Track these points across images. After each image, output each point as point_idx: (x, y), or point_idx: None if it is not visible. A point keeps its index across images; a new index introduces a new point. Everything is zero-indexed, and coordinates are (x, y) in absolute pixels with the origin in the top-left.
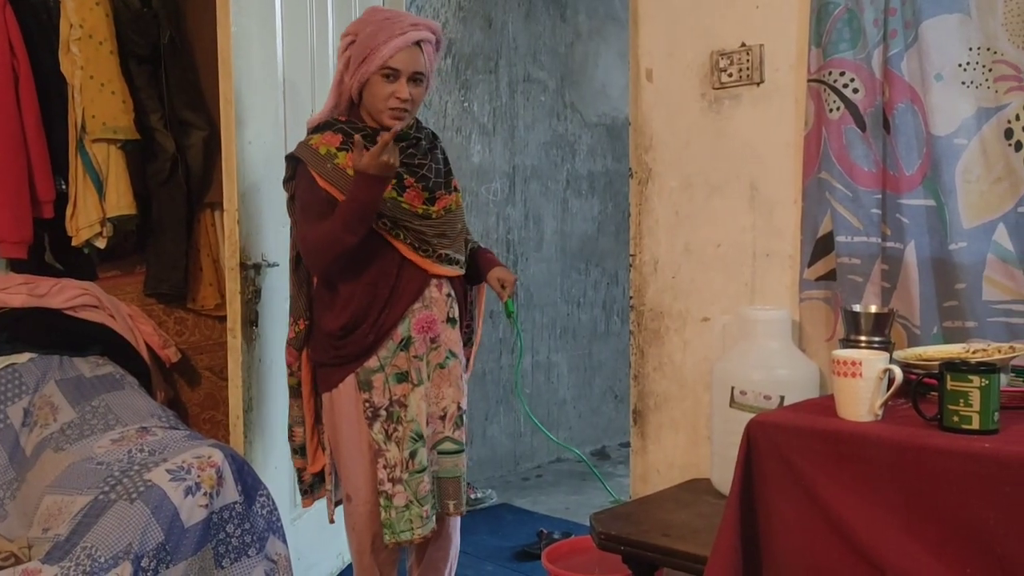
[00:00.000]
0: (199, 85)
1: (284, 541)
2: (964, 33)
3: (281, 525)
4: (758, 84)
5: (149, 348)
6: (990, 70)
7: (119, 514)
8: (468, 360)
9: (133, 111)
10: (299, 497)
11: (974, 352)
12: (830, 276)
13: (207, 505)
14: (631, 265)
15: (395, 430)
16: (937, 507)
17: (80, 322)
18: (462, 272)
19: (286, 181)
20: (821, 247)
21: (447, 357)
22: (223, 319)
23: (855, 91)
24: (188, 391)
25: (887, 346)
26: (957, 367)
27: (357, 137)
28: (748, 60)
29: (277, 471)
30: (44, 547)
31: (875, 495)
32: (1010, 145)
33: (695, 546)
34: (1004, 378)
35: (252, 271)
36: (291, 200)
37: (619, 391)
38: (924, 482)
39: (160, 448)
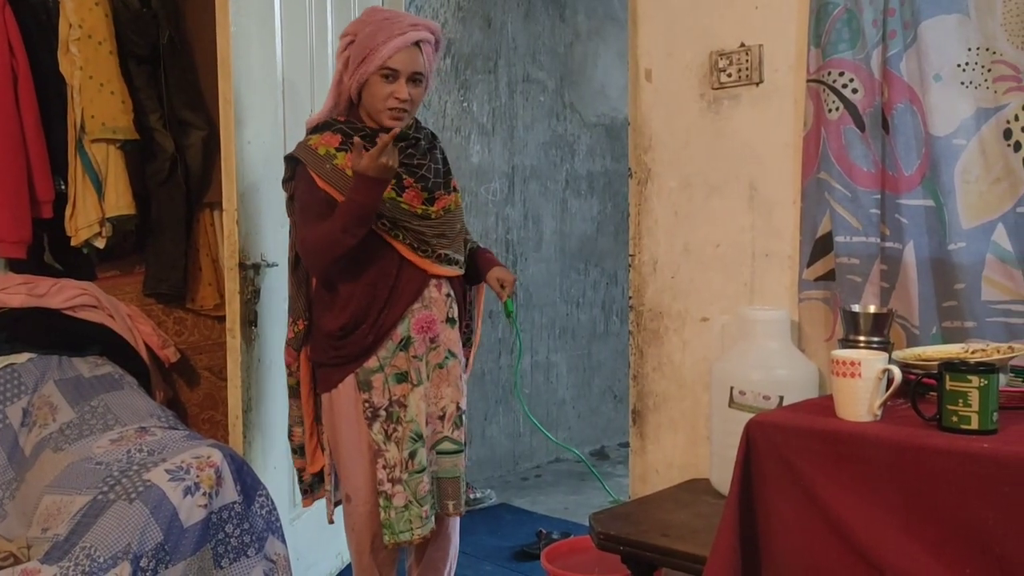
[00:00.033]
0: (198, 85)
1: (283, 541)
2: (963, 33)
3: (280, 525)
4: (757, 84)
5: (148, 348)
6: (989, 70)
7: (118, 514)
8: (467, 360)
9: (132, 111)
10: (298, 497)
11: (973, 352)
12: (829, 276)
13: (206, 505)
14: (630, 265)
15: (394, 430)
16: (936, 507)
17: (79, 322)
18: (461, 272)
19: (285, 181)
20: (820, 247)
21: (446, 357)
22: (222, 319)
23: (854, 91)
24: (187, 391)
25: (886, 346)
26: (956, 367)
27: (356, 139)
28: (747, 60)
29: (276, 471)
30: (43, 547)
31: (874, 495)
32: (1009, 145)
33: (694, 546)
34: (1003, 378)
35: (251, 271)
36: (290, 200)
37: (618, 391)
38: (923, 482)
39: (159, 448)
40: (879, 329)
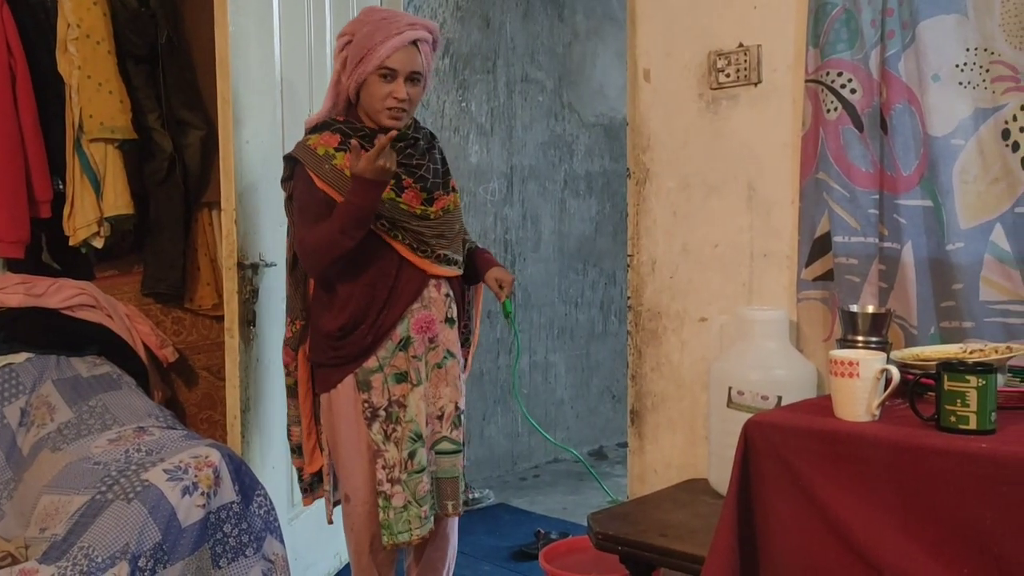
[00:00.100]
0: (197, 85)
1: (281, 541)
2: (961, 34)
3: (278, 525)
4: (756, 84)
5: (146, 348)
6: (987, 71)
7: (116, 514)
8: (466, 360)
9: (130, 111)
10: (297, 497)
11: (971, 352)
12: (827, 276)
13: (204, 505)
14: (629, 265)
15: (394, 430)
16: (934, 507)
17: (77, 322)
18: (460, 272)
19: (284, 181)
20: (818, 247)
21: (445, 357)
22: (221, 319)
23: (852, 91)
24: (185, 391)
25: (884, 346)
26: (954, 367)
27: (354, 141)
28: (746, 60)
29: (275, 471)
30: (41, 547)
31: (872, 495)
32: (1007, 146)
33: (692, 546)
34: (1001, 378)
35: (250, 271)
36: (289, 200)
37: (617, 391)
38: (921, 482)
39: (157, 448)
40: (877, 329)
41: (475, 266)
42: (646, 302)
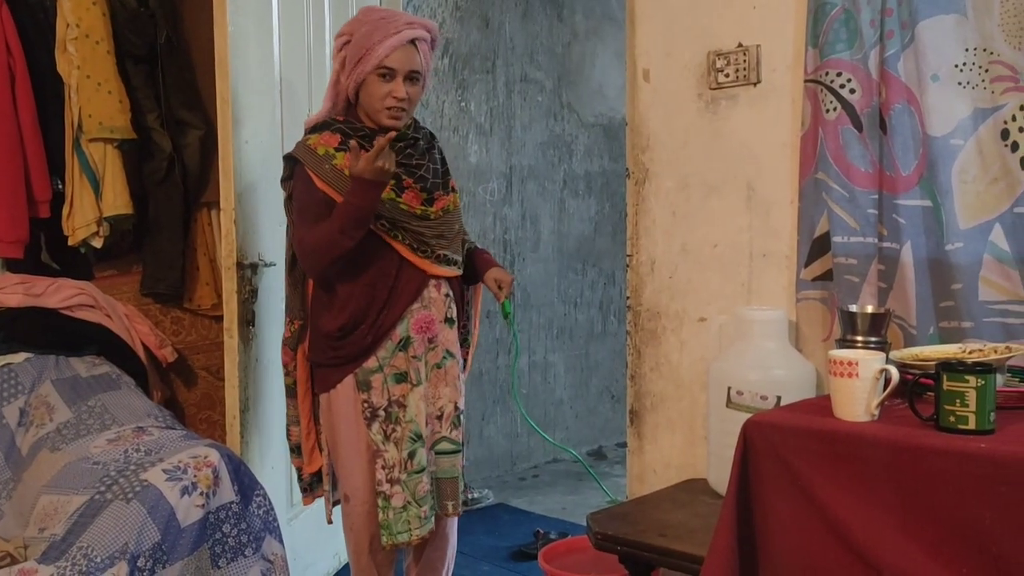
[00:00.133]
0: (196, 84)
1: (280, 541)
2: (960, 34)
3: (278, 525)
4: (755, 84)
5: (146, 348)
6: (986, 71)
7: (115, 514)
8: (465, 360)
9: (130, 110)
10: (296, 497)
11: (970, 352)
12: (827, 276)
13: (203, 505)
14: (628, 265)
15: (393, 431)
16: (933, 507)
17: (76, 322)
18: (460, 272)
19: (283, 180)
20: (818, 247)
21: (444, 357)
22: (220, 319)
23: (852, 91)
24: (185, 391)
25: (883, 346)
26: (953, 367)
27: (353, 142)
28: (745, 60)
29: (274, 471)
30: (40, 547)
31: (871, 495)
32: (1006, 146)
33: (692, 546)
34: (1000, 378)
35: (249, 271)
36: (288, 199)
37: (616, 391)
38: (920, 482)
39: (156, 448)
40: (876, 329)
41: (474, 266)
42: (645, 302)
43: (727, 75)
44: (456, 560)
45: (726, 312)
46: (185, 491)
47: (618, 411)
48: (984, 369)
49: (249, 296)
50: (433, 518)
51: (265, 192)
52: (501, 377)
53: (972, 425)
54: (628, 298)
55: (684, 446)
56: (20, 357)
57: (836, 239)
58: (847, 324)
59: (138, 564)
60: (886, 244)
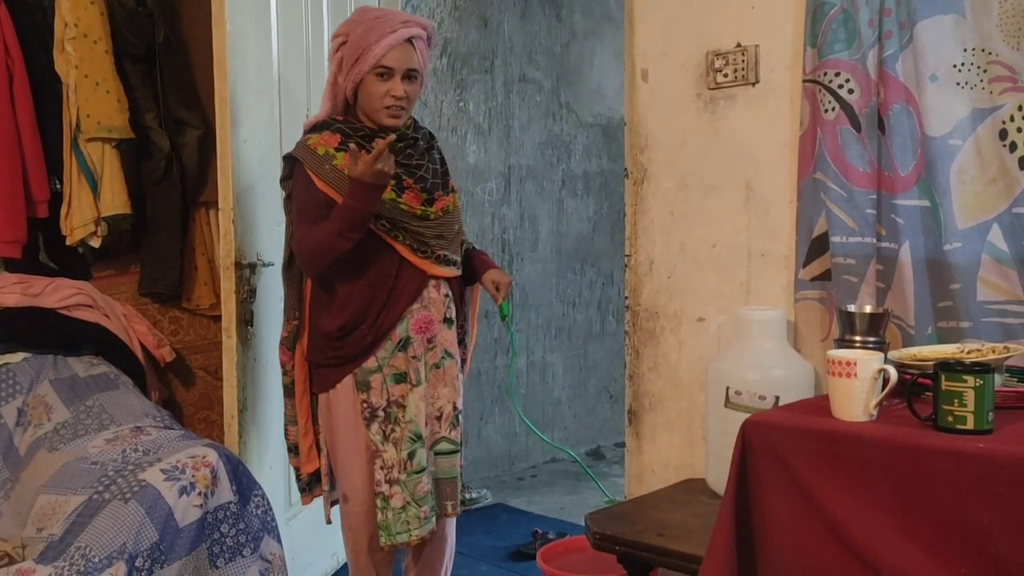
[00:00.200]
0: (194, 84)
1: (279, 541)
2: (959, 34)
3: (276, 525)
4: (753, 84)
5: (144, 348)
6: (985, 71)
7: (113, 514)
8: (463, 361)
9: (128, 110)
10: (294, 497)
11: (969, 352)
12: (825, 276)
13: (202, 505)
14: (626, 265)
15: (392, 431)
16: (932, 507)
17: (74, 322)
18: (459, 273)
19: (283, 180)
20: (816, 247)
21: (443, 357)
22: (218, 319)
23: (850, 92)
24: (183, 391)
25: (882, 346)
26: (952, 367)
27: (352, 145)
28: (743, 60)
29: (272, 471)
30: (38, 547)
31: (870, 495)
32: (1004, 146)
33: (690, 546)
34: (998, 378)
35: (247, 270)
36: (287, 199)
37: (614, 391)
38: (919, 482)
39: (154, 448)
40: (875, 329)
41: (472, 267)
42: (644, 302)
43: (725, 75)
44: (454, 560)
45: (724, 312)
46: (183, 491)
47: (616, 411)
48: (982, 369)
49: (247, 296)
50: (434, 518)
51: (264, 192)
52: (499, 377)
53: (970, 425)
54: (626, 298)
55: (682, 446)
56: (18, 357)
57: (834, 239)
58: (845, 324)
59: (136, 564)
60: (884, 244)
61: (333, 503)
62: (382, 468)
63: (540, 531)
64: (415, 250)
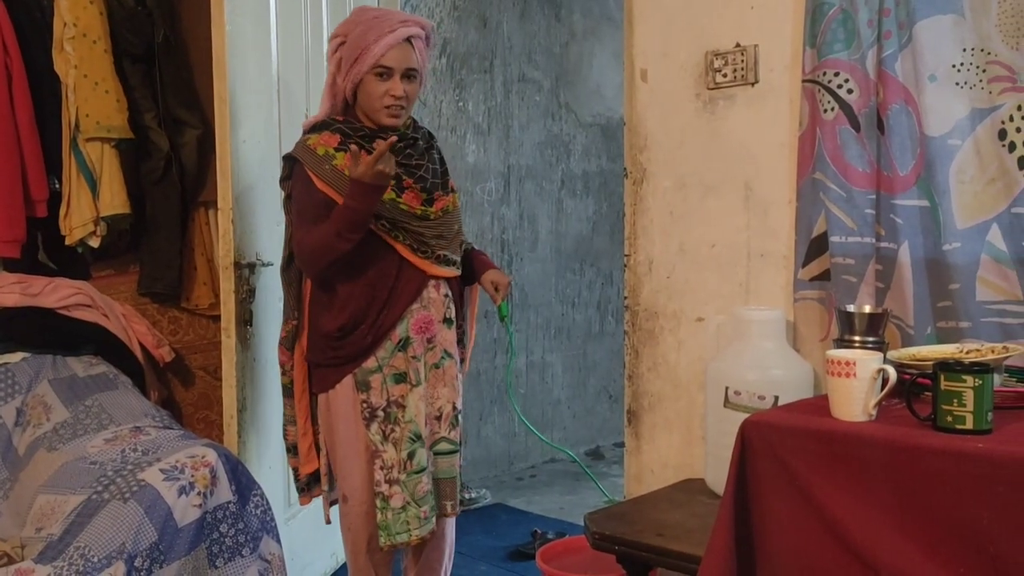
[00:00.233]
0: (193, 84)
1: (278, 541)
2: (958, 34)
3: (275, 525)
4: (753, 84)
5: (143, 347)
6: (984, 71)
7: (112, 514)
8: (463, 360)
9: (127, 110)
10: (293, 497)
11: (968, 352)
12: (824, 276)
13: (201, 505)
14: (626, 265)
15: (392, 431)
16: (931, 507)
17: (73, 321)
18: (458, 273)
19: (282, 180)
20: (815, 247)
21: (442, 357)
22: (217, 318)
23: (849, 92)
24: (182, 391)
25: (881, 346)
26: (951, 367)
27: (353, 146)
28: (743, 60)
29: (271, 471)
30: (37, 547)
31: (869, 495)
32: (1004, 146)
33: (689, 546)
34: (998, 378)
35: (246, 270)
36: (287, 199)
37: (613, 391)
38: (918, 482)
39: (154, 448)
40: (874, 329)
41: (471, 268)
42: (643, 302)
43: (725, 75)
44: (454, 560)
45: (724, 312)
46: (182, 491)
47: (616, 411)
48: (981, 369)
49: (247, 296)
50: (434, 518)
51: (263, 192)
52: (498, 377)
53: (970, 425)
54: (626, 298)
55: (682, 446)
56: (17, 357)
57: (834, 239)
58: (845, 324)
59: (135, 564)
60: (884, 244)
61: (332, 503)
62: (382, 468)
63: (539, 531)
64: (415, 250)
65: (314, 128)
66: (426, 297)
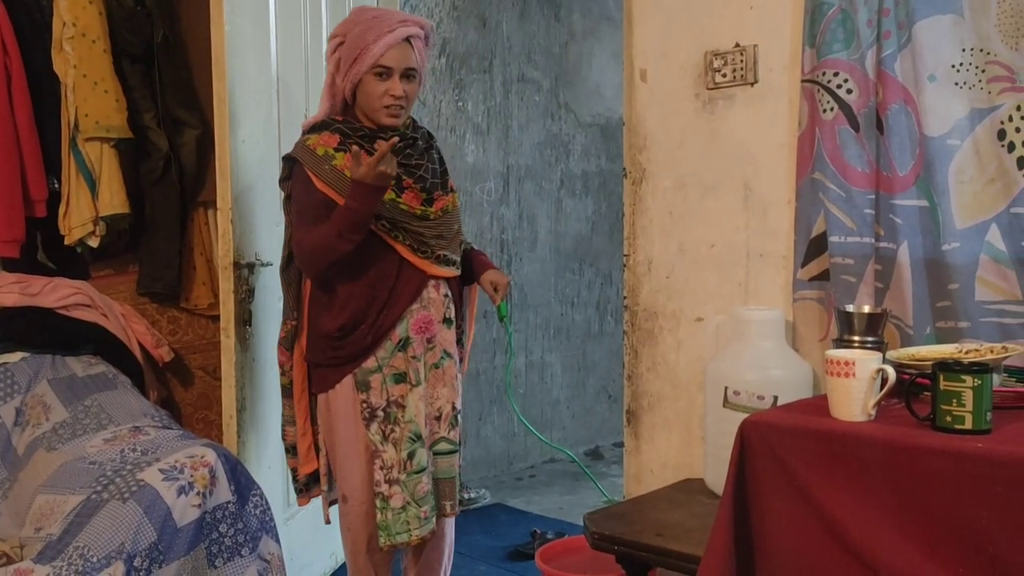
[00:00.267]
0: (192, 84)
1: (277, 541)
2: (957, 34)
3: (274, 525)
4: (752, 84)
5: (142, 347)
6: (983, 71)
7: (112, 514)
8: (461, 360)
9: (126, 110)
10: (293, 497)
11: (967, 352)
12: (823, 276)
13: (200, 505)
14: (625, 265)
15: (392, 431)
16: (930, 507)
17: (73, 321)
18: (458, 273)
19: (282, 181)
20: (814, 247)
21: (442, 357)
22: (216, 318)
23: (849, 91)
24: (181, 391)
25: (880, 346)
26: (950, 367)
27: (355, 147)
28: (742, 60)
29: (270, 471)
30: (36, 547)
31: (868, 495)
32: (1003, 146)
33: (688, 546)
34: (997, 378)
35: (246, 270)
36: (287, 200)
37: (613, 391)
38: (917, 482)
39: (153, 448)
40: (873, 329)
41: (470, 268)
42: (642, 302)
43: (724, 75)
44: (453, 560)
45: (723, 312)
46: (182, 491)
47: (615, 411)
48: (981, 369)
49: (246, 296)
50: (434, 518)
51: (262, 192)
52: (498, 377)
53: (969, 425)
54: (625, 298)
55: (681, 446)
56: (16, 356)
57: (833, 239)
58: (844, 324)
59: (134, 564)
60: (883, 244)
61: (331, 503)
62: (382, 468)
63: (539, 531)
64: (415, 250)
65: (313, 128)
66: (426, 297)
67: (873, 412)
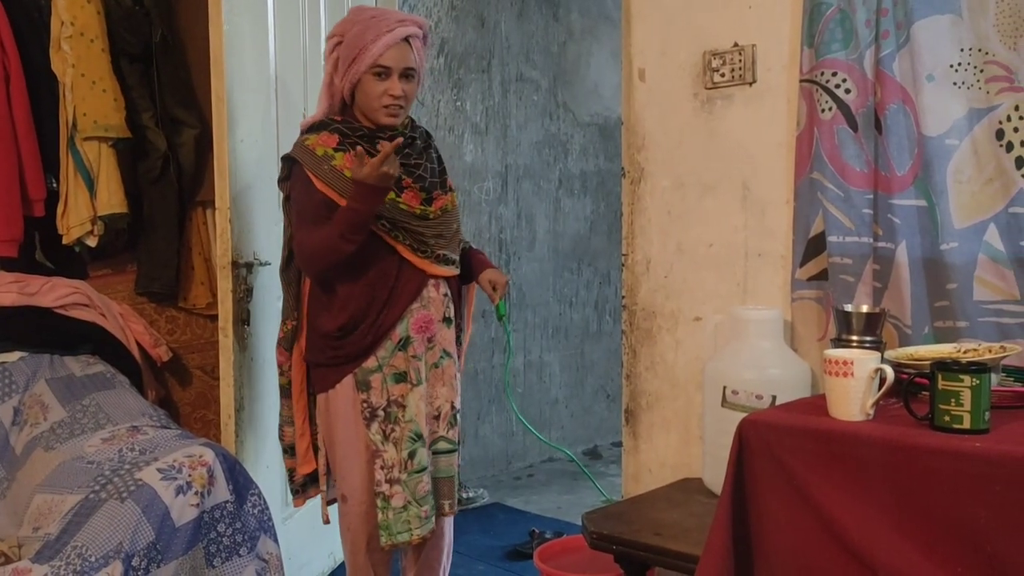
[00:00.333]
0: (191, 83)
1: (275, 540)
2: (956, 34)
3: (272, 524)
4: (750, 84)
5: (140, 347)
6: (981, 71)
7: (110, 513)
8: (459, 359)
9: (124, 109)
10: (291, 496)
11: (965, 352)
12: (822, 276)
13: (198, 504)
14: (623, 264)
15: (392, 430)
16: (928, 506)
17: (71, 321)
18: (457, 272)
19: (281, 181)
20: (813, 247)
21: (441, 357)
22: (215, 318)
23: (847, 91)
24: (179, 390)
25: (878, 346)
26: (948, 367)
27: (359, 148)
28: (741, 60)
29: (268, 470)
30: (34, 546)
31: (866, 494)
32: (1001, 146)
33: (687, 545)
34: (995, 378)
35: (244, 270)
36: (286, 200)
37: (611, 390)
38: (915, 481)
39: (151, 447)
40: (872, 329)
41: (469, 267)
42: (641, 301)
43: (723, 75)
44: (452, 559)
45: (721, 311)
46: (180, 490)
47: (613, 410)
48: (979, 369)
49: (244, 295)
50: (434, 518)
51: (260, 191)
52: (496, 376)
53: (967, 424)
54: (623, 297)
55: (679, 445)
56: (14, 356)
57: (831, 239)
58: (842, 324)
59: (133, 563)
60: (881, 244)
61: (330, 502)
62: (382, 468)
63: (537, 530)
64: (415, 250)
65: (312, 128)
66: (426, 296)
67: (871, 412)
